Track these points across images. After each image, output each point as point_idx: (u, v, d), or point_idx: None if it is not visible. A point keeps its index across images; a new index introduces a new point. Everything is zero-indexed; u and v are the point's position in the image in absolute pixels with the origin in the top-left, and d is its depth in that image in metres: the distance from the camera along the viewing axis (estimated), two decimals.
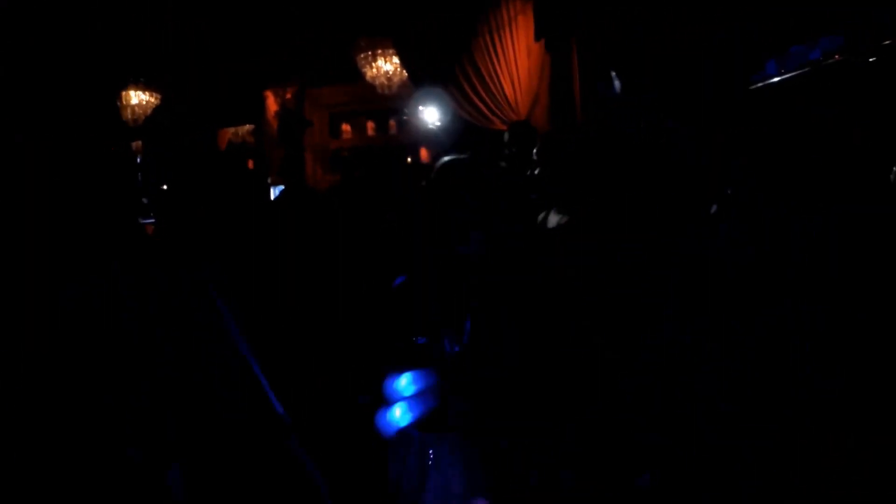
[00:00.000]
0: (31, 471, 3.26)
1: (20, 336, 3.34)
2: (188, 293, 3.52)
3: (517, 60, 10.00)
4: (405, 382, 2.15)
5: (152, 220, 8.21)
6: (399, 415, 2.14)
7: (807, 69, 5.71)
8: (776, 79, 5.72)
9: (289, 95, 12.67)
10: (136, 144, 13.53)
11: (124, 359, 3.32)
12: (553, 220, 4.88)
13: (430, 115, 11.51)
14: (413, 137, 12.91)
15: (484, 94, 10.03)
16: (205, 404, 3.38)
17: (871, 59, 5.34)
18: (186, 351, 3.40)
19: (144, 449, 3.30)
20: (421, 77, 10.57)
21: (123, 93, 12.12)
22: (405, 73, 11.14)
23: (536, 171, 5.17)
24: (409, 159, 13.01)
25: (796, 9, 5.53)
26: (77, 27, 10.07)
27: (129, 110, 12.17)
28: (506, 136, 8.60)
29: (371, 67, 11.56)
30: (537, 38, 9.74)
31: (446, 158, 5.07)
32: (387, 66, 11.51)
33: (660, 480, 3.31)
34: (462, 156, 5.22)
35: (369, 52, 11.45)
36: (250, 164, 13.02)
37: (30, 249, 3.38)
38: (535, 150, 5.29)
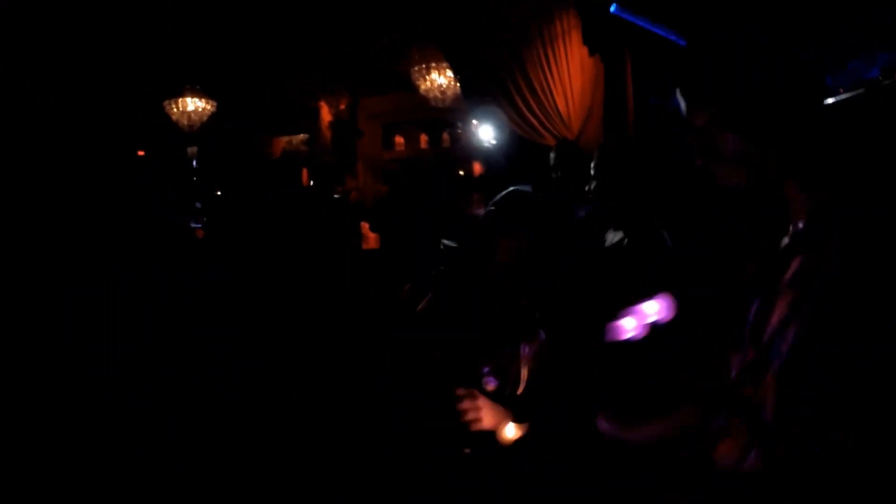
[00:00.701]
0: (32, 469, 3.32)
1: (21, 336, 3.41)
2: (189, 293, 3.58)
3: (570, 74, 9.90)
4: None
5: (201, 225, 8.33)
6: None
7: (862, 90, 5.57)
8: (830, 100, 5.58)
9: (342, 106, 12.75)
10: (192, 150, 13.73)
11: (125, 359, 3.37)
12: (610, 237, 4.84)
13: (486, 133, 11.51)
14: (466, 150, 12.92)
15: (536, 109, 9.93)
16: (205, 404, 3.43)
17: None
18: (186, 351, 3.44)
19: (145, 449, 3.35)
20: (473, 90, 10.54)
21: (180, 99, 12.26)
22: (458, 86, 11.13)
23: (593, 187, 5.09)
24: (461, 172, 13.01)
25: (799, 8, 5.41)
26: (77, 27, 10.20)
27: (185, 117, 12.33)
28: (552, 156, 8.46)
29: (425, 80, 11.59)
30: (591, 52, 9.68)
31: (511, 189, 5.09)
32: (440, 80, 11.53)
33: (660, 478, 3.29)
34: (525, 187, 5.22)
35: (423, 65, 11.48)
36: (304, 172, 13.18)
37: (30, 249, 3.45)
38: (592, 164, 5.21)
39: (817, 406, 2.94)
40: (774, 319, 3.11)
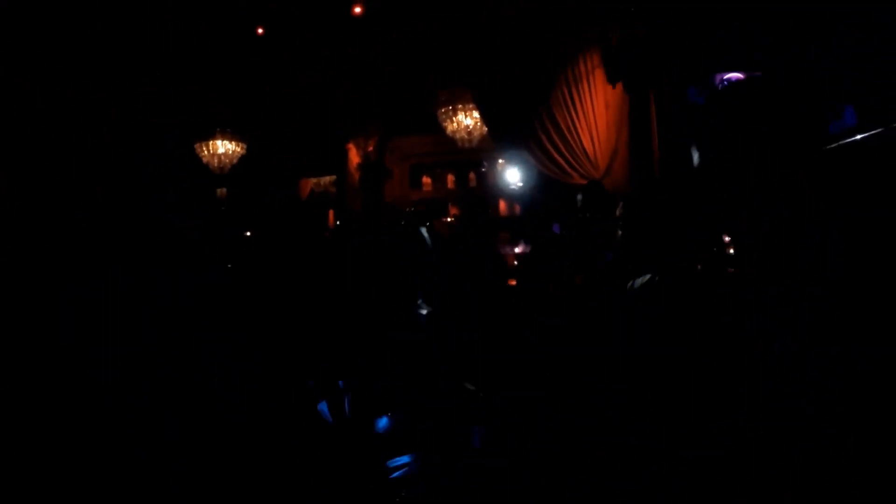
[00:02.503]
0: (33, 470, 3.31)
1: (21, 336, 3.41)
2: (189, 294, 3.57)
3: (595, 114, 9.95)
4: None
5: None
6: None
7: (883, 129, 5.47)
8: (858, 136, 5.49)
9: (370, 147, 12.80)
10: (221, 191, 13.81)
11: (125, 359, 3.37)
12: (638, 281, 4.80)
13: (512, 176, 11.54)
14: (492, 189, 12.94)
15: (563, 149, 9.96)
16: (205, 404, 3.41)
17: None
18: (186, 351, 3.44)
19: (145, 449, 3.33)
20: (500, 132, 10.58)
21: (211, 142, 12.36)
22: (485, 128, 11.18)
23: (620, 233, 5.03)
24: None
25: (801, 7, 5.33)
26: (77, 27, 10.28)
27: (215, 159, 12.43)
28: (579, 198, 8.43)
29: (451, 122, 11.67)
30: (609, 80, 9.68)
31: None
32: (467, 121, 11.59)
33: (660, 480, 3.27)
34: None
35: (449, 107, 11.56)
36: (331, 213, 13.21)
37: (30, 249, 3.47)
38: (618, 210, 5.15)
39: (817, 406, 2.91)
40: (776, 318, 3.09)
